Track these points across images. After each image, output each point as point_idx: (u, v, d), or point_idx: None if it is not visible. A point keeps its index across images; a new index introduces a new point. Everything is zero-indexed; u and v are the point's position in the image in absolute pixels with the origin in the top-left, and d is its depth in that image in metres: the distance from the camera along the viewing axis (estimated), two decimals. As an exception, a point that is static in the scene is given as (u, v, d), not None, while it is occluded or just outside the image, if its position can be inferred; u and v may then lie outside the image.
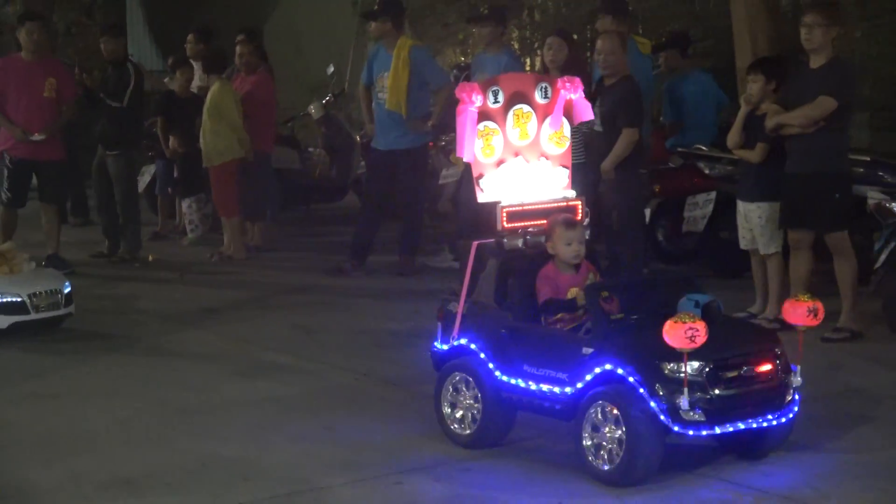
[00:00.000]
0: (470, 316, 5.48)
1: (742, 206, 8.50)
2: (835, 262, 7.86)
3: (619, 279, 5.60)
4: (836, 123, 7.61)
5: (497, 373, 5.16)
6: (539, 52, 12.26)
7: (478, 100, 5.23)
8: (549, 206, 5.47)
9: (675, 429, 4.51)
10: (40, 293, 8.05)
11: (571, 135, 9.16)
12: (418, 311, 9.06)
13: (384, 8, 10.79)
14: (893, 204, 8.55)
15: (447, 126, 10.47)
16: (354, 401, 7.06)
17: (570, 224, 5.28)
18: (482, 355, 5.26)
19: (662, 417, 4.49)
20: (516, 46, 12.92)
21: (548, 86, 5.54)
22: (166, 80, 13.23)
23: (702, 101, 10.73)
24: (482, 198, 5.43)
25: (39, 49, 10.56)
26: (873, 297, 8.30)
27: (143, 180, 12.91)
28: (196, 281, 11.01)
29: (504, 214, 5.30)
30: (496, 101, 5.36)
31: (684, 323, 4.31)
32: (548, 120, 5.51)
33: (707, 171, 9.96)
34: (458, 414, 5.43)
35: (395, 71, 10.19)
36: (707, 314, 4.71)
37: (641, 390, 4.54)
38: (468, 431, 5.34)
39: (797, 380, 4.86)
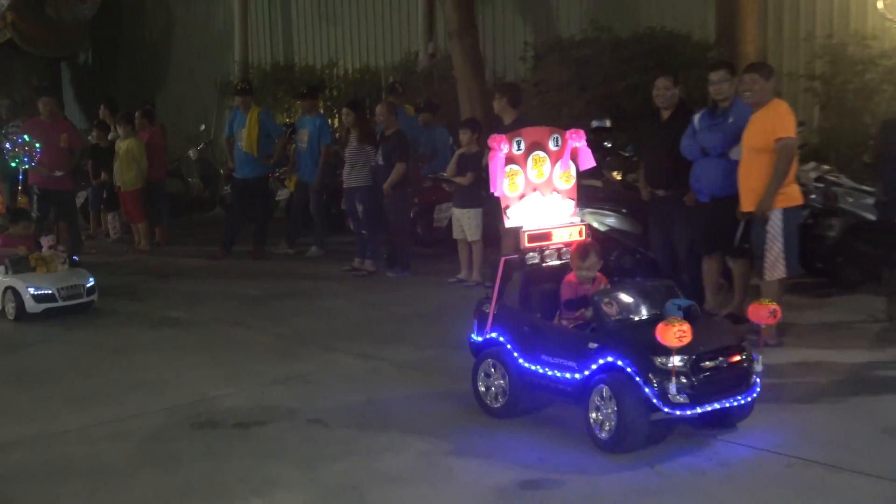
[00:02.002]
0: (499, 315, 5.96)
1: (457, 212, 10.46)
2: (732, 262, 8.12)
3: (619, 288, 5.65)
4: None
5: (521, 360, 5.64)
6: (338, 115, 14.42)
7: (505, 147, 5.73)
8: (559, 228, 5.97)
9: (665, 410, 4.92)
10: (67, 287, 9.04)
11: (361, 166, 11.12)
12: (261, 279, 11.29)
13: (247, 89, 13.29)
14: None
15: (283, 162, 13.48)
16: (231, 340, 8.42)
17: (581, 255, 5.73)
18: (508, 346, 5.77)
19: (654, 401, 4.89)
20: (322, 111, 14.16)
21: (559, 136, 6.03)
22: (89, 136, 15.15)
23: (445, 144, 12.63)
24: (509, 224, 5.90)
25: (53, 114, 12.52)
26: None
27: (79, 200, 14.92)
28: (119, 265, 12.62)
29: (525, 237, 5.78)
30: (519, 149, 5.86)
31: (673, 325, 4.71)
32: (559, 163, 6.01)
33: (447, 188, 11.52)
34: (491, 390, 5.91)
35: (248, 126, 12.43)
36: (688, 316, 5.20)
37: (637, 379, 4.94)
38: (497, 405, 5.85)
39: (759, 367, 5.26)
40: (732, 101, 7.93)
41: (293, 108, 14.49)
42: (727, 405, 5.14)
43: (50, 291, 8.94)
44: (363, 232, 11.33)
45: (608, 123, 11.34)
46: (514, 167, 5.85)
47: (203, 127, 17.49)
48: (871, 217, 8.45)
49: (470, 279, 10.39)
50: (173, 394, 6.84)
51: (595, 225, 9.63)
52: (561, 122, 12.39)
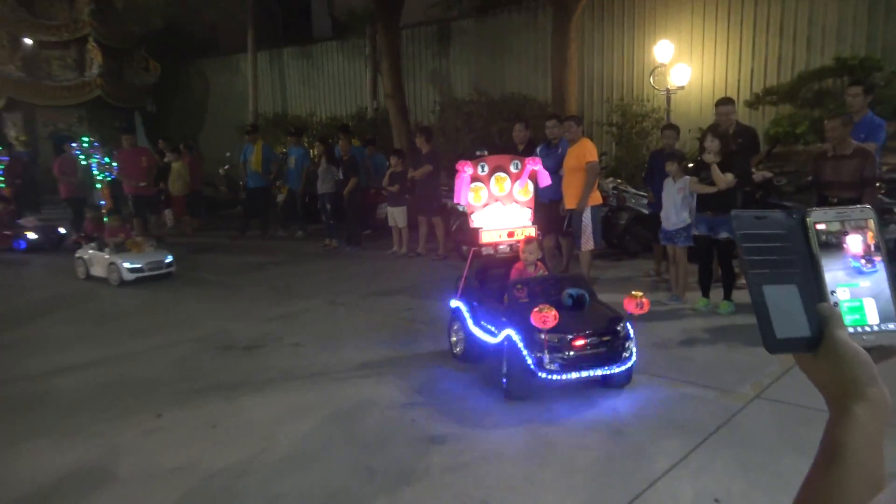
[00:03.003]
0: (464, 291, 5.38)
1: (391, 209, 10.11)
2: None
3: (532, 279, 5.00)
4: None
5: (470, 322, 5.16)
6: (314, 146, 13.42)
7: (468, 170, 5.16)
8: (511, 230, 5.37)
9: (540, 374, 4.30)
10: (152, 262, 8.80)
11: (328, 179, 10.88)
12: (264, 252, 10.87)
13: (253, 129, 13.06)
14: None
15: (279, 177, 13.10)
16: (241, 292, 8.21)
17: (528, 242, 5.20)
18: (465, 313, 5.25)
19: (532, 366, 4.30)
20: (305, 144, 13.70)
21: (519, 161, 5.34)
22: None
23: (382, 165, 11.41)
24: (474, 225, 5.31)
25: (133, 145, 12.12)
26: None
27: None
28: (173, 245, 11.10)
29: (481, 235, 5.28)
30: (483, 171, 5.23)
31: (542, 311, 4.16)
32: (518, 181, 5.34)
33: (384, 193, 10.75)
34: (456, 341, 5.40)
35: (255, 153, 12.30)
36: (577, 303, 4.63)
37: (522, 347, 4.35)
38: (458, 351, 5.36)
39: (630, 347, 4.50)
40: (560, 139, 7.98)
41: (286, 142, 13.75)
42: (599, 374, 4.43)
43: (140, 265, 8.68)
44: (330, 221, 11.20)
45: (486, 152, 11.13)
46: (479, 184, 5.28)
47: (228, 154, 17.12)
48: (645, 211, 8.50)
49: (399, 252, 10.27)
50: (201, 328, 6.72)
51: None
52: (456, 152, 12.60)
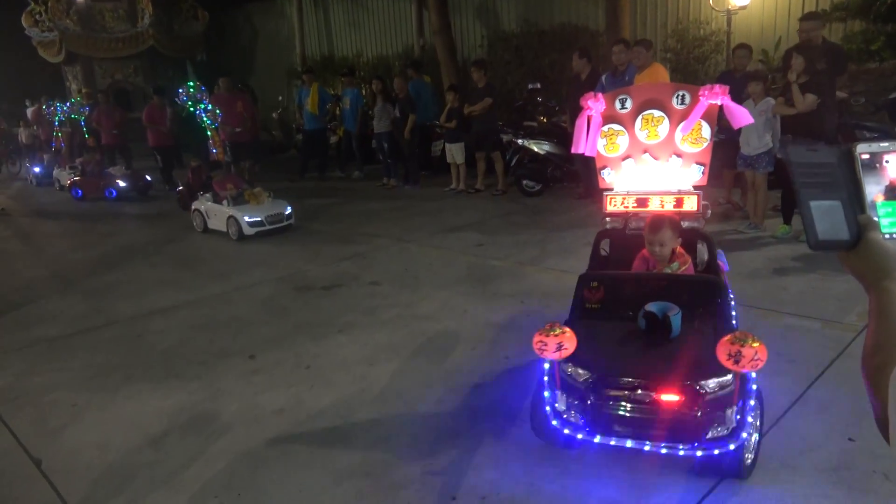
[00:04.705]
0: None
1: (448, 145, 9.71)
2: None
3: (614, 274, 3.34)
4: None
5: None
6: (366, 87, 12.86)
7: (598, 107, 3.46)
8: (654, 195, 3.43)
9: (553, 421, 2.74)
10: (272, 214, 7.81)
11: (385, 118, 10.24)
12: (324, 194, 10.78)
13: (310, 70, 12.79)
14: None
15: (334, 118, 12.74)
16: (311, 233, 8.01)
17: (652, 227, 3.26)
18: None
19: (546, 405, 2.77)
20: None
21: (686, 93, 3.40)
22: None
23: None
24: (603, 185, 3.60)
25: (230, 89, 10.98)
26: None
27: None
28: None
29: (607, 200, 3.49)
30: (623, 108, 3.49)
31: (544, 333, 2.64)
32: (682, 123, 3.40)
33: (438, 130, 10.56)
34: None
35: (311, 95, 11.77)
36: (653, 326, 2.81)
37: (546, 380, 2.78)
38: None
39: (730, 421, 2.53)
40: (627, 66, 7.44)
41: (336, 84, 13.51)
42: (652, 448, 2.60)
43: (259, 218, 7.75)
44: (388, 160, 10.81)
45: (539, 86, 10.93)
46: (616, 126, 3.52)
47: (280, 98, 16.96)
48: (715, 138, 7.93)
49: (458, 188, 9.85)
50: (277, 269, 6.56)
51: (535, 149, 9.25)
52: (506, 87, 12.15)
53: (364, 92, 12.90)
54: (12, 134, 17.31)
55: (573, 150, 3.60)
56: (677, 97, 3.42)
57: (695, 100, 3.35)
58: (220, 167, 8.84)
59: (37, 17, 18.70)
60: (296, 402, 3.73)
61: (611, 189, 3.56)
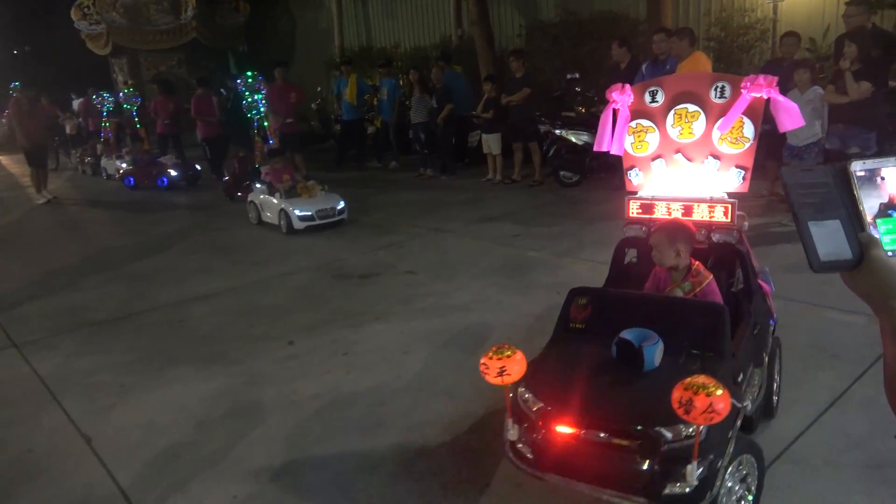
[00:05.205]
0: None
1: (485, 136, 9.71)
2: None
3: (604, 292, 2.90)
4: None
5: None
6: (403, 77, 12.70)
7: (625, 100, 3.03)
8: (681, 201, 2.98)
9: (509, 455, 2.38)
10: (323, 209, 7.54)
11: (422, 109, 10.39)
12: (361, 184, 10.66)
13: (349, 60, 12.68)
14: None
15: (371, 109, 12.70)
16: (348, 222, 7.74)
17: (658, 238, 2.82)
18: None
19: (505, 433, 2.40)
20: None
21: (726, 85, 2.86)
22: None
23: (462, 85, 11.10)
24: (630, 187, 3.14)
25: (284, 79, 10.94)
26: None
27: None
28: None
29: (630, 205, 3.09)
30: (654, 101, 3.02)
31: (485, 355, 2.24)
32: (721, 120, 2.86)
33: (475, 121, 10.43)
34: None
35: (350, 86, 11.75)
36: (624, 355, 2.39)
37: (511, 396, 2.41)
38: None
39: (691, 478, 2.05)
40: (667, 55, 7.29)
41: (374, 75, 13.42)
42: (601, 495, 2.19)
43: (310, 213, 7.51)
44: (424, 151, 10.80)
45: (577, 75, 10.73)
46: (645, 122, 3.04)
47: (319, 89, 17.00)
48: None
49: (495, 179, 9.80)
50: (316, 257, 6.61)
51: (573, 140, 9.14)
52: (543, 76, 11.93)
53: (402, 82, 12.91)
54: (60, 126, 17.72)
55: (595, 149, 3.17)
56: (716, 89, 2.89)
57: (736, 92, 2.82)
58: (278, 155, 8.51)
59: (85, 10, 19.13)
60: (332, 388, 3.78)
61: (633, 194, 3.12)
